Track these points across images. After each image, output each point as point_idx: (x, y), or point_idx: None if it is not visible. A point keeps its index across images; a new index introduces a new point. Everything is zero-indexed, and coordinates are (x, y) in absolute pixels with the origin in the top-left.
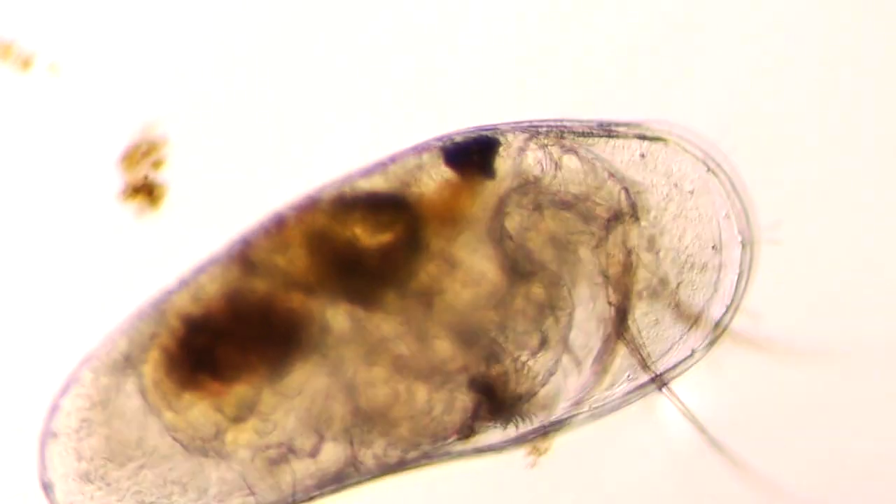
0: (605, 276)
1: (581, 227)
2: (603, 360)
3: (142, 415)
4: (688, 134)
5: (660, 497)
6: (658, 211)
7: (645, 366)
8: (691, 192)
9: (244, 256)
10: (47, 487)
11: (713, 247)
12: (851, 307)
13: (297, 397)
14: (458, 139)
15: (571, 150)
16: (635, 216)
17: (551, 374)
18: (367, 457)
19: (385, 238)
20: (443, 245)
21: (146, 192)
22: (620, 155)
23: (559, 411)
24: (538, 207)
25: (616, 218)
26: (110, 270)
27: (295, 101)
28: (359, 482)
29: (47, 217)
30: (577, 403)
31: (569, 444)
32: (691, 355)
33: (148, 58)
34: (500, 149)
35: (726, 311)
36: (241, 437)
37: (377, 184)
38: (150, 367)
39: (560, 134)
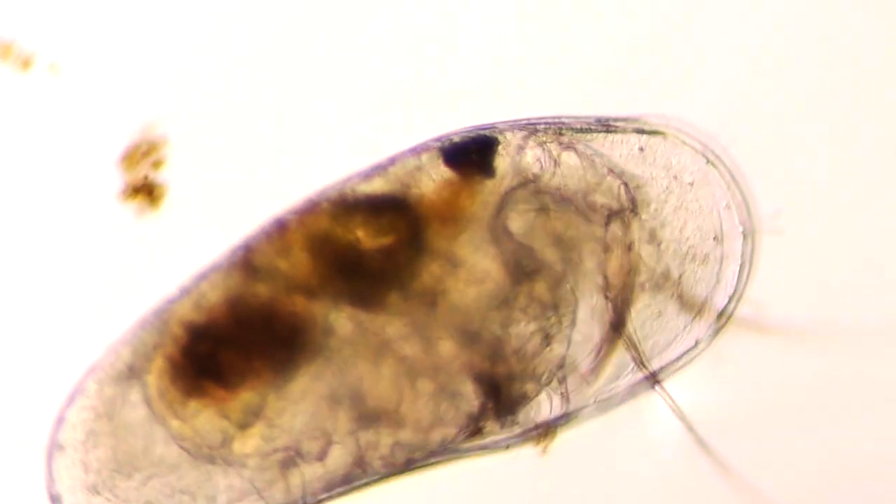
0: (605, 273)
1: (582, 224)
2: (602, 356)
3: (148, 424)
4: (686, 126)
5: (659, 497)
6: (658, 203)
7: (640, 363)
8: (691, 184)
9: (246, 261)
10: (55, 500)
11: (714, 238)
12: (854, 294)
13: (302, 401)
14: (457, 139)
15: (570, 147)
16: (635, 211)
17: (556, 370)
18: (375, 458)
19: (387, 240)
20: (444, 245)
21: (146, 192)
22: (619, 149)
23: (564, 408)
24: (538, 205)
25: (616, 213)
26: (110, 270)
27: (293, 103)
28: (367, 484)
29: (47, 217)
30: (579, 400)
31: (573, 441)
32: (695, 346)
33: (148, 58)
34: (499, 147)
35: (729, 302)
36: (249, 443)
37: (377, 186)
38: (155, 377)
39: (558, 131)
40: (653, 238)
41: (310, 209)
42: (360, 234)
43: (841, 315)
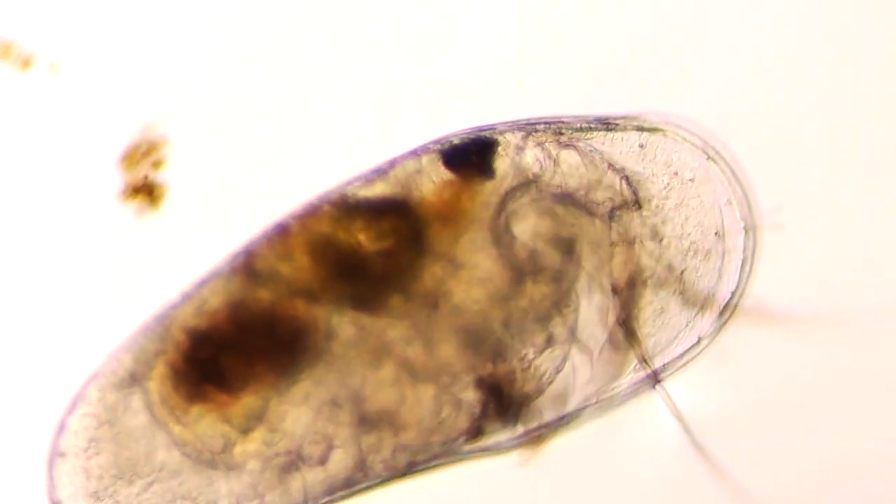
0: (610, 270)
1: (584, 221)
2: (612, 353)
3: (149, 430)
4: (686, 123)
5: (659, 497)
6: (659, 200)
7: (644, 361)
8: (692, 181)
9: (247, 266)
10: None
11: (716, 233)
12: (854, 289)
13: (304, 405)
14: (457, 141)
15: (569, 146)
16: (638, 204)
17: (558, 371)
18: (376, 462)
19: (388, 243)
20: (446, 247)
21: (146, 192)
22: (619, 147)
23: (567, 408)
24: (539, 205)
25: (619, 209)
26: (110, 270)
27: (293, 104)
28: (368, 487)
29: (47, 217)
30: (587, 399)
31: (572, 442)
32: (698, 342)
33: (148, 58)
34: (499, 148)
35: (732, 297)
36: (250, 448)
37: (378, 189)
38: (157, 383)
39: (557, 130)
40: (654, 234)
41: (311, 213)
42: (362, 237)
43: (841, 309)
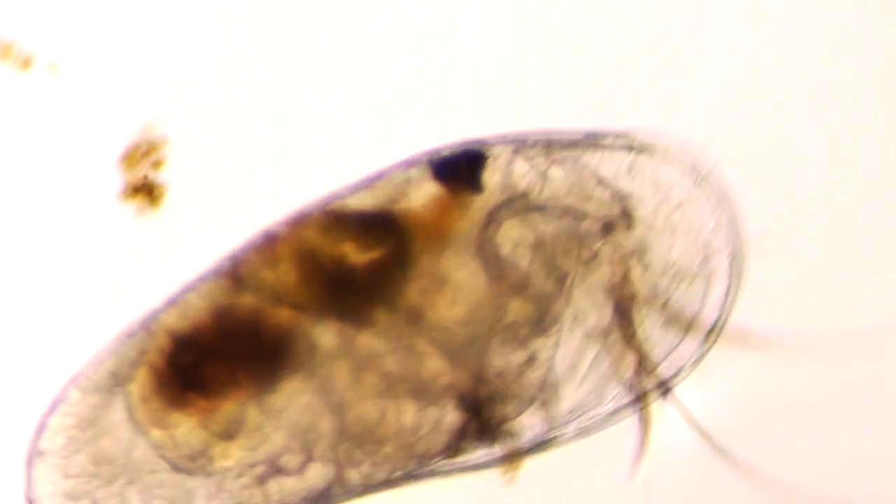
0: (603, 287)
1: (572, 239)
2: (612, 370)
3: (129, 433)
4: (674, 144)
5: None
6: (647, 221)
7: (649, 372)
8: (679, 203)
9: (233, 272)
10: None
11: (702, 256)
12: (841, 312)
13: (284, 414)
14: (446, 154)
15: (558, 162)
16: (627, 223)
17: (539, 391)
18: (354, 475)
19: (374, 255)
20: (432, 261)
21: (146, 192)
22: (608, 166)
23: (545, 430)
24: (526, 221)
25: (608, 227)
26: (110, 270)
27: (291, 106)
28: (345, 500)
29: (47, 217)
30: (565, 423)
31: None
32: (685, 363)
33: (148, 58)
34: (488, 162)
35: (717, 320)
36: (229, 455)
37: (366, 200)
38: (138, 386)
39: (547, 146)
40: (641, 256)
41: (298, 222)
42: (348, 248)
43: (827, 332)
